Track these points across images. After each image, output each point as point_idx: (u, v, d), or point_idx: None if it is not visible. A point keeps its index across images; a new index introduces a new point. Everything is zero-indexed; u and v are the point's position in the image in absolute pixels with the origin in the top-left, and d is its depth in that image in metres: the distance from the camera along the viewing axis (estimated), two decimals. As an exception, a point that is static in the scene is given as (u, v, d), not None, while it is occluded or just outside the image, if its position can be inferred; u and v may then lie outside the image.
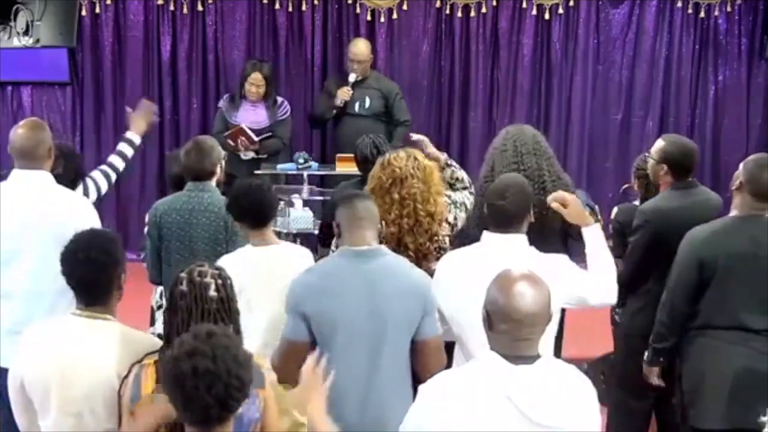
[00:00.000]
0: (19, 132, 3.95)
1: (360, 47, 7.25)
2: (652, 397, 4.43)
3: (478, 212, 4.17)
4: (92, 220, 3.81)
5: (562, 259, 3.56)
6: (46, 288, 3.21)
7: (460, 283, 3.42)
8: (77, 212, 3.85)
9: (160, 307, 4.63)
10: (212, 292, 2.76)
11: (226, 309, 2.77)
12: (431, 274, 3.99)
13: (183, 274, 2.80)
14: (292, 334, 3.24)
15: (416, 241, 3.93)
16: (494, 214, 3.50)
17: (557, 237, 4.14)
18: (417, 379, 3.34)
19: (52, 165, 4.02)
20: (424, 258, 3.97)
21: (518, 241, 3.47)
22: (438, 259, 3.99)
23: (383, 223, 3.93)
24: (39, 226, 3.78)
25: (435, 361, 3.32)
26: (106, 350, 2.86)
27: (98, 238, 3.03)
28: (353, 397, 3.16)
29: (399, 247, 3.89)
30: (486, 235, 3.52)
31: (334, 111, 7.16)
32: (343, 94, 7.09)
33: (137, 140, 5.00)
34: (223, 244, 4.30)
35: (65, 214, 3.76)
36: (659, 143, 4.41)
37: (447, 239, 4.08)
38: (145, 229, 4.52)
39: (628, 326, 4.43)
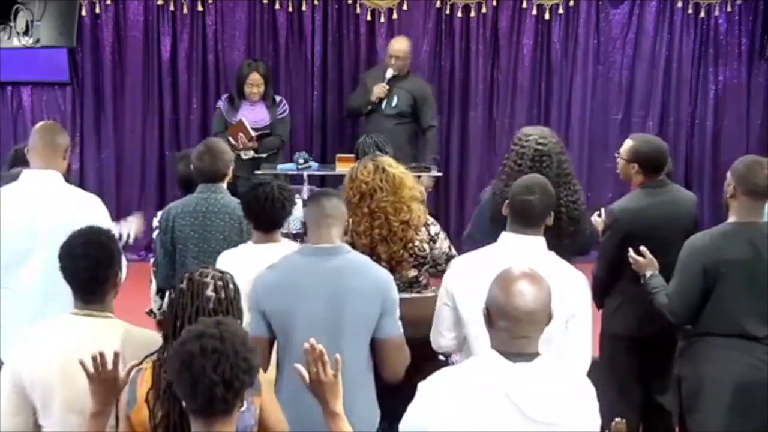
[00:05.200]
0: (37, 133, 4.01)
1: (400, 43, 7.24)
2: (638, 398, 4.43)
3: (490, 212, 4.16)
4: (102, 219, 3.80)
5: (581, 279, 3.42)
6: (58, 287, 3.23)
7: (478, 284, 3.35)
8: (87, 211, 3.85)
9: None
10: (209, 292, 2.76)
11: (223, 310, 2.75)
12: (408, 282, 3.97)
13: (186, 274, 2.82)
14: (253, 330, 3.24)
15: (390, 249, 3.89)
16: (520, 210, 3.42)
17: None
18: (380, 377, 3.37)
19: (65, 167, 4.06)
20: (398, 265, 3.93)
21: (538, 242, 3.42)
22: (415, 266, 3.96)
23: (355, 234, 3.90)
24: (49, 225, 3.79)
25: (396, 360, 3.34)
26: (108, 347, 2.85)
27: (95, 234, 3.04)
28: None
29: (372, 256, 3.82)
30: (504, 235, 3.45)
31: (370, 107, 7.16)
32: (379, 90, 7.08)
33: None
34: (239, 245, 4.29)
35: (75, 213, 3.75)
36: (628, 142, 4.41)
37: (426, 245, 3.98)
38: (154, 234, 4.49)
39: (607, 326, 4.41)
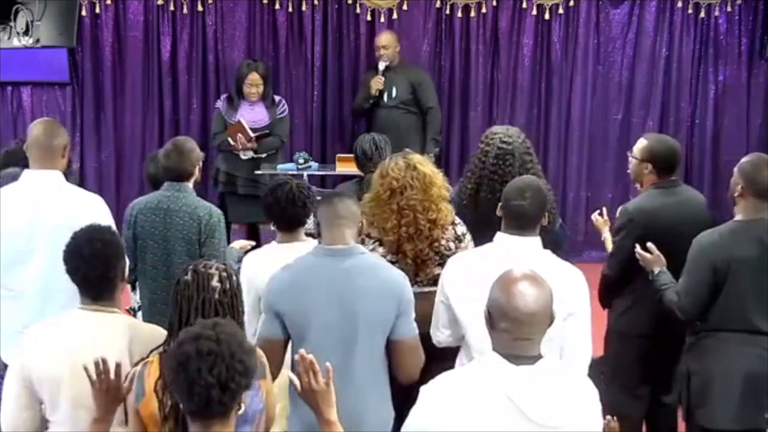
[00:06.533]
0: (35, 132, 3.99)
1: (384, 34, 7.42)
2: (645, 397, 4.43)
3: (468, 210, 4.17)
4: (105, 218, 3.79)
5: (579, 276, 3.42)
6: (59, 287, 3.24)
7: (472, 284, 3.33)
8: (89, 210, 3.84)
9: (140, 308, 4.63)
10: (215, 283, 2.79)
11: (228, 303, 2.79)
12: (433, 279, 3.93)
13: (189, 267, 2.84)
14: (267, 332, 3.25)
15: (416, 247, 3.90)
16: (513, 214, 3.42)
17: None
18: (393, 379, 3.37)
19: (65, 165, 4.05)
20: (423, 264, 3.93)
21: (533, 243, 3.42)
22: (440, 264, 3.92)
23: (382, 231, 3.91)
24: (50, 225, 3.79)
25: (411, 361, 3.32)
26: (116, 343, 2.89)
27: (99, 232, 3.06)
28: None
29: (398, 254, 3.86)
30: (500, 236, 3.45)
31: (370, 101, 7.28)
32: (376, 83, 7.21)
33: None
34: (197, 244, 4.31)
35: (75, 214, 3.74)
36: (642, 142, 4.41)
37: (452, 244, 3.98)
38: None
39: (616, 326, 4.41)
